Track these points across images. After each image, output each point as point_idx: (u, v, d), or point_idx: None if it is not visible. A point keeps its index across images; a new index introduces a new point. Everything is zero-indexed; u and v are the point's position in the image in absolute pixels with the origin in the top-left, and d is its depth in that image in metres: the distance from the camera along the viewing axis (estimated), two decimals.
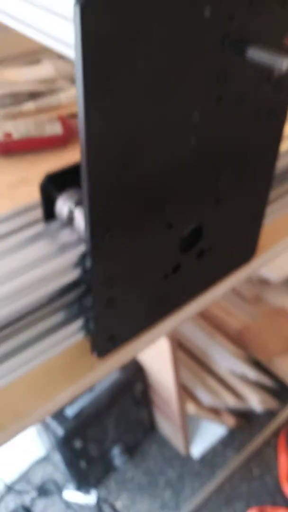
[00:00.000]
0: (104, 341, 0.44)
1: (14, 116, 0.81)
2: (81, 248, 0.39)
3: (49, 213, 0.41)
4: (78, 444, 1.35)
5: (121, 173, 0.34)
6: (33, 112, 0.83)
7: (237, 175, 0.44)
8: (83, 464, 1.43)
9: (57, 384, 0.44)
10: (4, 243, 0.41)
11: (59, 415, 1.31)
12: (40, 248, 0.40)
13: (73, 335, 0.45)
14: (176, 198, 0.40)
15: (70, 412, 1.31)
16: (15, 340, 0.42)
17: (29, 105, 0.83)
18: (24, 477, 1.56)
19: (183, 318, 0.52)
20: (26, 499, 1.51)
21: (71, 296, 0.42)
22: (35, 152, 0.74)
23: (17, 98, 0.84)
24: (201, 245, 0.46)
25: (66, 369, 0.45)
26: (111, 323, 0.43)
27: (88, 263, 0.37)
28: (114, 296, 0.41)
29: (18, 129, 0.73)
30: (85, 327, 0.44)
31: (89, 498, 1.50)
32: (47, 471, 1.57)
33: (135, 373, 1.41)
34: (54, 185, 0.40)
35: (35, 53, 0.94)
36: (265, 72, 0.38)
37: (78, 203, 0.39)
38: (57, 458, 1.46)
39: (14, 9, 0.41)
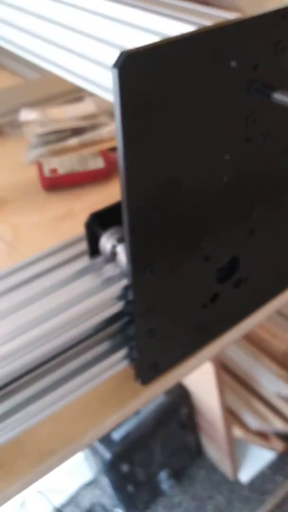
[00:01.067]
0: (147, 369, 0.47)
1: (58, 152, 0.86)
2: (124, 282, 0.42)
3: (94, 249, 0.44)
4: (125, 468, 1.36)
5: (159, 212, 0.37)
6: (77, 147, 0.88)
7: (270, 208, 0.46)
8: (130, 488, 1.43)
9: (104, 410, 0.47)
10: (54, 277, 0.44)
11: (106, 439, 1.33)
12: (87, 282, 0.43)
13: (118, 363, 0.47)
14: (212, 232, 0.43)
15: (116, 436, 1.33)
16: (64, 369, 0.44)
17: (73, 141, 0.87)
18: (73, 500, 1.58)
19: (223, 345, 0.54)
20: None
21: (115, 327, 0.45)
22: (79, 186, 0.78)
23: (61, 134, 0.89)
24: (237, 275, 0.48)
25: (112, 396, 0.48)
26: (153, 352, 0.46)
27: (131, 296, 0.40)
28: (155, 326, 0.44)
29: (63, 164, 0.78)
30: (129, 356, 0.47)
31: None
32: (95, 494, 1.59)
33: (181, 397, 1.42)
34: (98, 222, 0.43)
35: (77, 91, 1.00)
36: None
37: (121, 240, 0.42)
38: (105, 482, 1.48)
39: (64, 60, 0.45)
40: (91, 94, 0.98)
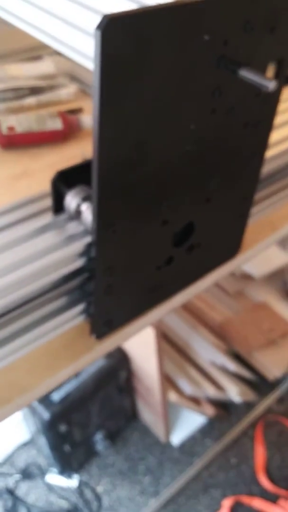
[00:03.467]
0: (102, 324, 0.49)
1: (15, 111, 0.85)
2: (87, 239, 0.44)
3: (58, 206, 0.45)
4: (63, 428, 1.39)
5: (126, 174, 0.39)
6: (34, 107, 0.87)
7: (226, 178, 0.49)
8: (67, 448, 1.47)
9: (59, 362, 0.49)
10: (16, 232, 0.45)
11: (45, 400, 1.35)
12: (50, 237, 0.44)
13: (74, 318, 0.49)
14: (172, 197, 0.45)
15: (56, 396, 1.36)
16: (22, 321, 0.46)
17: (30, 100, 0.87)
18: (9, 460, 1.60)
19: (171, 307, 0.57)
20: (10, 482, 1.56)
21: (74, 283, 0.47)
22: (36, 146, 0.78)
23: (19, 92, 0.87)
24: (191, 240, 0.51)
25: (67, 349, 0.50)
26: (109, 309, 0.48)
27: (93, 253, 0.42)
28: (113, 284, 0.46)
29: (21, 123, 0.77)
30: (86, 311, 0.49)
31: (71, 482, 1.55)
32: (31, 454, 1.62)
33: (120, 361, 1.46)
34: (63, 180, 0.44)
35: (36, 49, 0.98)
36: (255, 88, 0.43)
37: (85, 198, 0.43)
38: (41, 442, 1.51)
39: (36, 18, 0.45)
40: (50, 54, 0.97)
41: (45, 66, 0.92)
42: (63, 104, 0.88)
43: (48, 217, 0.47)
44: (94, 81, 0.33)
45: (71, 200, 0.44)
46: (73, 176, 0.45)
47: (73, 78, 0.94)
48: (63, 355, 0.50)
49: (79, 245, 0.44)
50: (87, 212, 0.42)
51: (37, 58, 0.96)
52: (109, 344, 0.52)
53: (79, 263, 0.45)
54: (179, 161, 0.43)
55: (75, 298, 0.48)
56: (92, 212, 0.39)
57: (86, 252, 0.44)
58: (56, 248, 0.44)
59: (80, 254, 0.44)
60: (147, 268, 0.49)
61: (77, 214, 0.44)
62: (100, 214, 0.39)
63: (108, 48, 0.31)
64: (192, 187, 0.46)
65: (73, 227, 0.45)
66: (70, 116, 0.80)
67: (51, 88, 0.90)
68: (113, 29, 0.31)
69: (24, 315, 0.46)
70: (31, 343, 0.48)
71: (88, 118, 0.81)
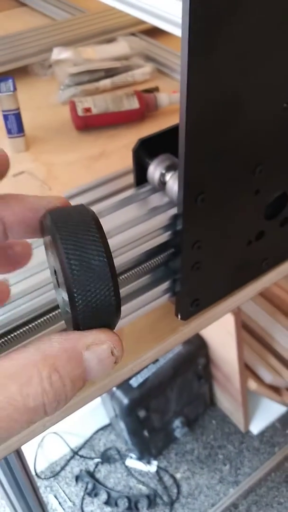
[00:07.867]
0: (188, 304, 0.46)
1: (91, 93, 0.84)
2: (172, 211, 0.41)
3: (140, 178, 0.43)
4: (142, 413, 1.39)
5: (217, 135, 0.36)
6: (109, 88, 0.85)
7: None
8: (145, 433, 1.47)
9: (143, 345, 0.47)
10: (97, 206, 0.44)
11: (124, 385, 1.36)
12: (131, 210, 0.42)
13: (157, 298, 0.47)
14: (265, 163, 0.41)
15: (134, 382, 1.35)
16: None
17: (105, 82, 0.85)
18: (88, 443, 1.63)
19: (261, 288, 0.53)
20: (90, 465, 1.58)
21: (158, 260, 0.45)
22: (113, 127, 0.76)
23: (94, 75, 0.86)
24: (285, 213, 0.47)
25: (151, 331, 0.48)
26: (196, 287, 0.45)
27: (179, 225, 0.39)
28: (200, 260, 0.43)
29: (97, 104, 0.76)
30: (170, 290, 0.47)
31: (150, 468, 1.55)
32: (110, 439, 1.63)
33: (198, 348, 1.44)
34: (145, 151, 0.42)
35: (110, 32, 0.96)
36: None
37: (170, 167, 0.41)
38: (120, 427, 1.52)
39: None
40: (124, 35, 0.95)
41: (120, 47, 0.90)
42: (138, 84, 0.86)
43: (130, 193, 0.45)
44: (183, 24, 0.29)
45: (155, 169, 0.41)
46: (155, 145, 0.42)
47: (148, 58, 0.91)
48: (146, 337, 0.48)
49: (164, 217, 0.41)
50: (172, 180, 0.40)
51: (111, 40, 0.94)
52: (195, 326, 0.49)
53: (164, 237, 0.42)
54: (274, 121, 0.39)
55: (159, 276, 0.46)
56: (179, 179, 0.36)
57: (171, 225, 0.41)
58: (139, 221, 0.42)
59: (165, 228, 0.42)
60: (237, 242, 0.45)
61: (161, 184, 0.41)
62: (187, 181, 0.36)
63: None
64: (287, 153, 0.42)
65: (156, 199, 0.42)
66: (146, 95, 0.78)
67: (126, 69, 0.87)
68: None
69: None
70: None
71: (165, 96, 0.78)
